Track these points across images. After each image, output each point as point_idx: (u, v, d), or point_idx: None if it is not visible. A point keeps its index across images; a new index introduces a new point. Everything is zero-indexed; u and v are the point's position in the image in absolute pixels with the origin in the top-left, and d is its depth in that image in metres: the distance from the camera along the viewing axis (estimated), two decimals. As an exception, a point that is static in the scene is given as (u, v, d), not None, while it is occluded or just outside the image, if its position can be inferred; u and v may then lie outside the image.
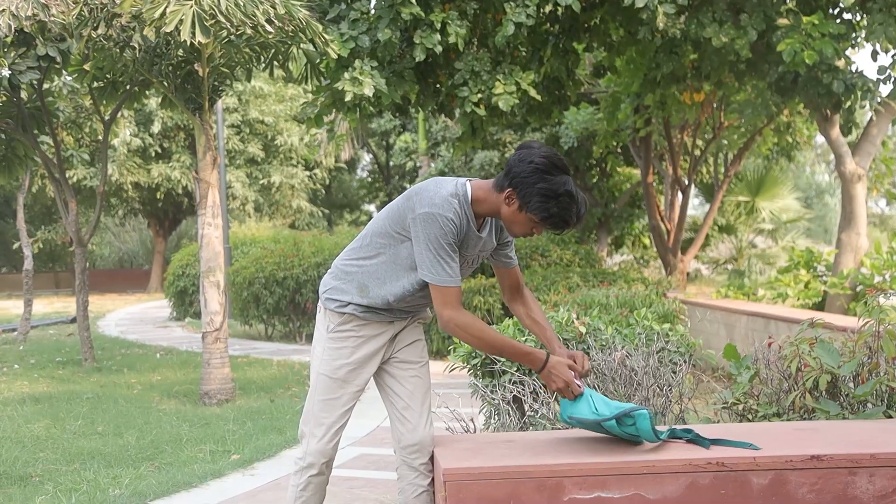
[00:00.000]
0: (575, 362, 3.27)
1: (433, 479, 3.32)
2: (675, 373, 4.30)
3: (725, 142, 17.11)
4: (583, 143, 18.38)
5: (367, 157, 40.23)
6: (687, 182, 16.56)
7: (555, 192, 3.12)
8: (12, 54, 10.70)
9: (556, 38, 11.84)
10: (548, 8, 10.89)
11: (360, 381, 3.41)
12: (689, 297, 11.53)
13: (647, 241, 22.57)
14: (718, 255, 24.39)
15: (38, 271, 30.67)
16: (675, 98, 12.87)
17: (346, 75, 9.77)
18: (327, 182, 35.80)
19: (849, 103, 10.96)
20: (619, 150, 19.07)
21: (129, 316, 22.46)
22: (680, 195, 16.42)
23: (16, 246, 19.00)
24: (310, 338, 14.51)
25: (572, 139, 18.28)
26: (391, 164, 34.00)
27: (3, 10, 8.06)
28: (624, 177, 21.25)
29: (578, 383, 3.20)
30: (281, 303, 14.59)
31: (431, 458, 3.35)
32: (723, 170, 17.49)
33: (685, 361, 4.42)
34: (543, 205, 3.14)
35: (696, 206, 31.91)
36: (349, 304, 3.37)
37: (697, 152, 16.74)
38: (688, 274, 18.50)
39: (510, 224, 3.25)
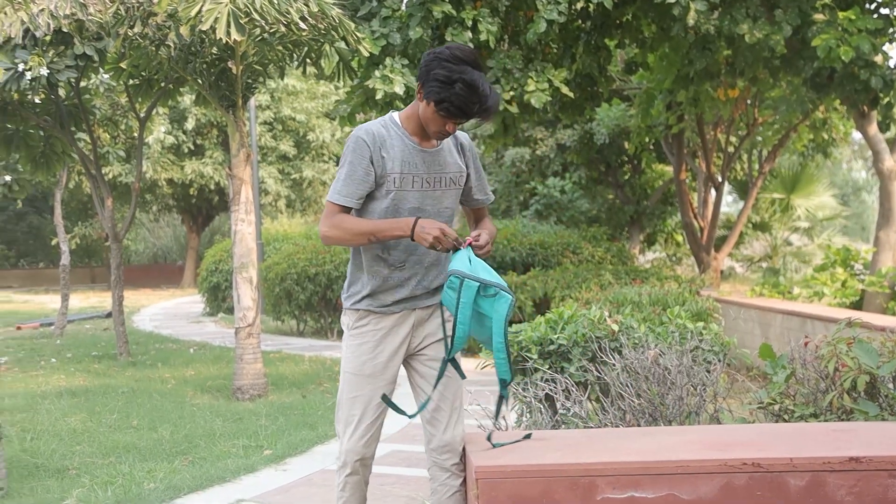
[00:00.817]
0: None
1: (465, 479, 3.31)
2: (708, 372, 4.27)
3: (760, 138, 16.97)
4: (615, 139, 18.30)
5: (398, 154, 40.24)
6: (720, 179, 16.43)
7: (450, 79, 3.15)
8: (51, 53, 10.81)
9: (588, 34, 11.80)
10: (580, 5, 10.85)
11: (387, 376, 3.39)
12: (722, 295, 11.45)
13: (679, 239, 22.43)
14: (753, 252, 24.19)
15: (74, 266, 30.95)
16: (709, 94, 12.78)
17: (377, 73, 9.78)
18: (359, 178, 35.78)
19: (887, 99, 10.83)
20: (651, 147, 18.97)
21: (163, 311, 22.63)
22: (713, 192, 16.30)
23: (54, 242, 19.22)
24: (341, 333, 14.54)
25: (604, 136, 18.20)
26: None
27: (43, 10, 8.14)
28: (656, 174, 21.12)
29: (461, 240, 3.22)
30: (313, 299, 14.63)
31: (463, 458, 3.35)
32: (757, 166, 17.36)
33: (719, 360, 4.39)
34: (437, 90, 3.17)
35: (729, 204, 31.68)
36: (362, 298, 3.40)
37: (731, 149, 16.61)
38: (721, 272, 18.37)
39: (426, 123, 3.28)
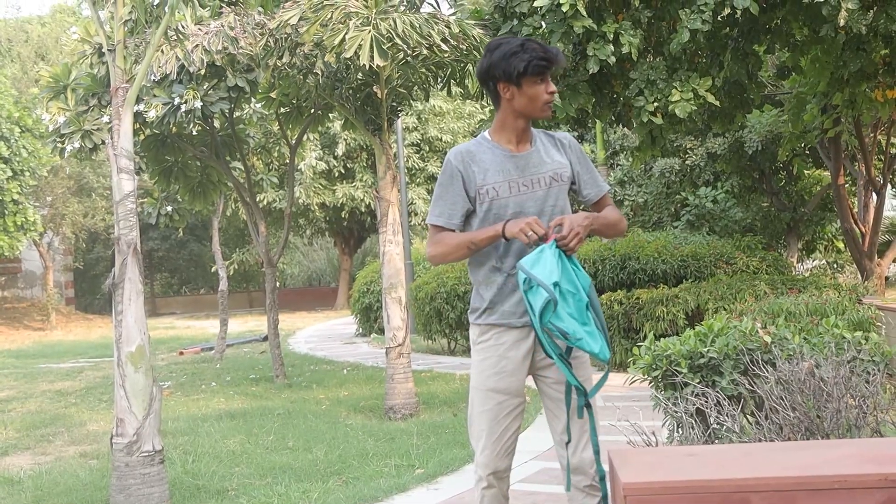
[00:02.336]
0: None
1: (603, 497, 3.29)
2: (868, 383, 4.08)
3: (923, 138, 16.18)
4: (767, 146, 17.75)
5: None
6: (882, 182, 15.73)
7: (512, 50, 3.29)
8: (205, 86, 11.29)
9: (736, 41, 11.49)
10: (725, 11, 10.60)
11: (511, 391, 3.40)
12: (886, 302, 10.92)
13: (840, 246, 21.56)
14: (920, 258, 23.02)
15: (232, 291, 32.14)
16: (866, 96, 12.23)
17: None
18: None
19: None
20: (806, 152, 18.33)
21: (318, 333, 23.20)
22: (875, 196, 15.61)
23: (213, 269, 19.99)
24: (492, 352, 14.57)
25: (756, 143, 17.68)
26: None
27: (197, 46, 8.51)
28: (813, 179, 20.38)
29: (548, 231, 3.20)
30: (463, 317, 14.71)
31: (599, 475, 3.33)
32: (921, 168, 16.54)
33: (879, 371, 4.19)
34: (516, 63, 3.28)
35: (894, 207, 30.26)
36: (483, 312, 3.45)
37: (893, 151, 15.88)
38: (886, 278, 17.56)
39: (528, 110, 3.37)
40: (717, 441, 4.17)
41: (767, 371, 4.19)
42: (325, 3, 7.79)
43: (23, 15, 37.38)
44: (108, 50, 6.14)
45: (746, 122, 16.67)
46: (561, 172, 3.45)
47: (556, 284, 3.11)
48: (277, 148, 15.54)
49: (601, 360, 3.17)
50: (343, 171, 30.48)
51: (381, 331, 17.62)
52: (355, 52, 7.60)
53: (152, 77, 10.69)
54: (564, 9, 9.25)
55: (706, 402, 4.26)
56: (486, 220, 3.38)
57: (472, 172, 3.38)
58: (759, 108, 15.62)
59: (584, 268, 3.37)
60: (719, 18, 10.56)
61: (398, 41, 7.80)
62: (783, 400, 3.94)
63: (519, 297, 3.33)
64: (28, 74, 28.67)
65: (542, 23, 10.13)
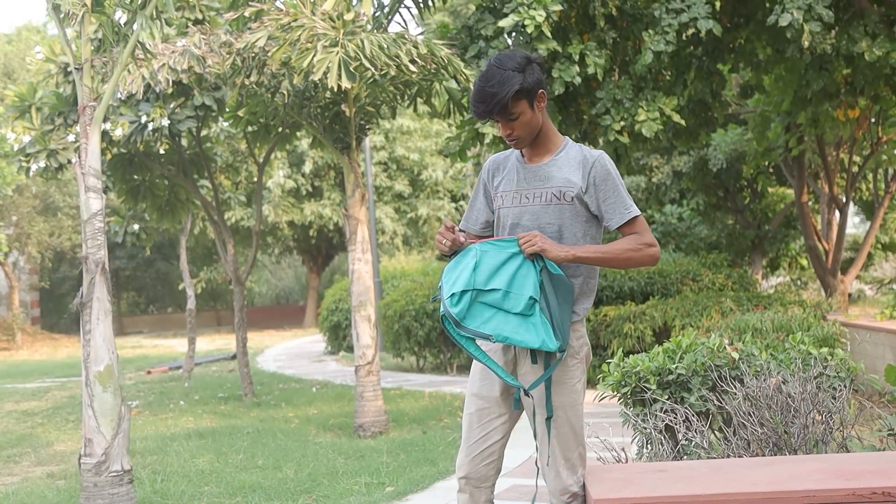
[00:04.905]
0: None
1: None
2: (834, 398, 4.13)
3: (885, 157, 16.40)
4: (732, 164, 17.93)
5: (512, 188, 40.29)
6: (845, 200, 15.94)
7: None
8: (172, 104, 11.26)
9: (700, 60, 11.64)
10: (690, 31, 10.75)
11: (491, 398, 3.41)
12: (850, 318, 11.06)
13: (804, 263, 21.80)
14: (882, 274, 23.34)
15: (200, 310, 31.91)
16: (829, 115, 12.42)
17: None
18: (474, 213, 35.99)
19: None
20: (770, 170, 18.54)
21: (287, 351, 23.09)
22: (837, 214, 15.81)
23: (181, 287, 19.88)
24: (461, 368, 14.60)
25: (721, 161, 17.86)
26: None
27: (163, 65, 8.49)
28: (777, 197, 20.62)
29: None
30: (431, 334, 14.72)
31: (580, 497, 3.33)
32: (883, 186, 16.76)
33: (845, 387, 4.25)
34: None
35: (856, 225, 30.66)
36: None
37: (855, 169, 16.10)
38: (850, 295, 17.76)
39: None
40: (685, 457, 4.21)
41: (735, 387, 4.24)
42: (293, 23, 7.80)
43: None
44: (76, 68, 6.12)
45: (711, 141, 16.86)
46: (565, 191, 3.33)
47: (464, 292, 3.16)
48: (245, 166, 15.54)
49: (546, 349, 3.16)
50: (311, 190, 30.42)
51: (350, 348, 17.59)
52: (324, 74, 7.61)
53: (119, 96, 10.65)
54: (529, 30, 9.32)
55: (675, 418, 4.30)
56: (497, 227, 3.44)
57: (492, 179, 3.49)
58: (723, 126, 15.79)
59: None
60: (683, 37, 10.70)
61: (366, 63, 7.82)
62: (751, 416, 3.98)
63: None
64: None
65: (509, 41, 10.21)
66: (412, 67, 8.12)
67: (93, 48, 7.14)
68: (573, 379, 3.34)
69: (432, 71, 8.61)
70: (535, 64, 3.33)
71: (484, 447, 3.40)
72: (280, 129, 11.87)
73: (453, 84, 9.30)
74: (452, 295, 3.17)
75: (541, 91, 3.33)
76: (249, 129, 12.06)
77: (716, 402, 4.34)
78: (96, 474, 5.68)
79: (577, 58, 9.83)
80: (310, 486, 6.88)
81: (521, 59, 3.30)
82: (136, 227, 16.97)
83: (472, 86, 9.02)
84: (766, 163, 17.16)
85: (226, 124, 13.38)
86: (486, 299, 3.18)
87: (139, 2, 6.17)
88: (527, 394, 3.27)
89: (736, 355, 4.55)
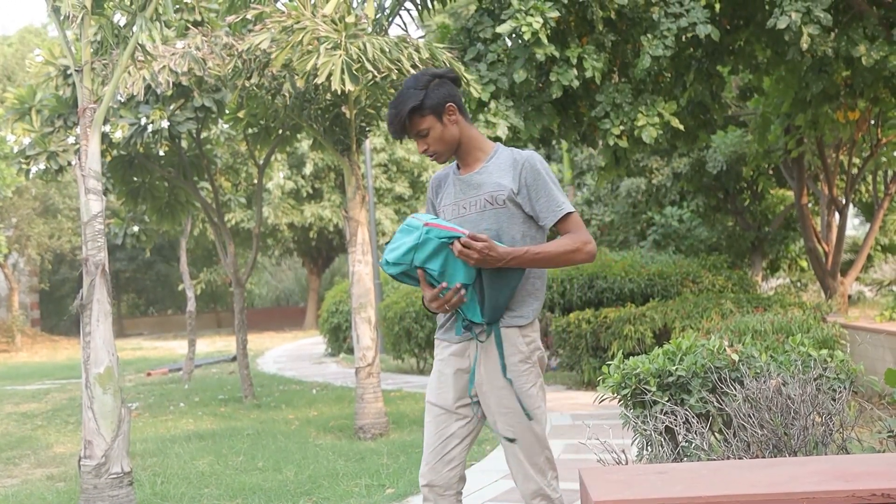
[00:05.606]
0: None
1: None
2: (834, 400, 4.14)
3: (885, 159, 16.42)
4: (732, 166, 17.97)
5: (512, 189, 40.33)
6: (844, 202, 15.95)
7: None
8: (171, 106, 11.27)
9: (700, 62, 11.65)
10: (689, 34, 10.76)
11: (445, 405, 3.44)
12: (850, 320, 11.06)
13: (804, 264, 21.82)
14: (882, 276, 23.36)
15: (200, 312, 31.92)
16: (829, 117, 12.44)
17: (481, 117, 9.84)
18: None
19: None
20: (770, 172, 18.56)
21: (287, 353, 23.10)
22: (837, 215, 15.83)
23: (180, 288, 19.87)
24: (461, 371, 14.58)
25: (721, 163, 17.90)
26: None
27: (163, 68, 8.49)
28: (777, 199, 20.64)
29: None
30: (432, 336, 14.69)
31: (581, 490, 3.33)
32: (883, 188, 16.78)
33: (845, 388, 4.25)
34: None
35: (856, 226, 30.71)
36: (438, 328, 3.57)
37: (855, 171, 16.11)
38: (849, 297, 17.76)
39: None
40: (685, 459, 4.21)
41: (735, 389, 4.25)
42: (296, 26, 7.81)
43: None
44: (76, 70, 6.12)
45: (711, 143, 16.88)
46: (497, 195, 3.36)
47: (398, 264, 3.30)
48: (245, 168, 15.53)
49: (475, 321, 3.32)
50: (311, 191, 30.46)
51: (351, 350, 17.60)
52: (327, 78, 7.61)
53: (119, 98, 10.66)
54: (526, 36, 9.33)
55: (675, 419, 4.30)
56: None
57: (438, 196, 3.56)
58: (722, 128, 15.80)
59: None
60: (683, 39, 10.71)
61: (368, 65, 7.82)
62: (751, 417, 3.98)
63: (449, 314, 3.45)
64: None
65: (508, 42, 10.21)
66: (413, 71, 8.12)
67: (92, 50, 7.13)
68: (527, 384, 3.35)
69: (433, 74, 8.61)
70: (443, 79, 3.42)
71: (443, 453, 3.40)
72: (280, 131, 11.88)
73: (453, 86, 9.30)
74: (387, 263, 3.30)
75: (449, 104, 3.38)
76: (250, 130, 12.07)
77: (716, 403, 4.34)
78: (96, 476, 5.68)
79: (574, 61, 9.84)
80: (310, 487, 6.88)
81: (425, 78, 3.40)
82: (135, 228, 16.99)
83: (471, 89, 9.07)
84: (767, 164, 17.18)
85: (226, 126, 13.39)
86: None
87: (139, 4, 6.18)
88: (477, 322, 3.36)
89: (736, 357, 4.55)
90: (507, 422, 3.34)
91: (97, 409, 5.75)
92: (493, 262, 3.21)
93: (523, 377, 3.35)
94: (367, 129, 10.23)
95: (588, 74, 9.83)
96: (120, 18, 6.67)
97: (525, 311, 3.38)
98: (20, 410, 12.81)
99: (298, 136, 12.90)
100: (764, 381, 4.15)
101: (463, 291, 3.25)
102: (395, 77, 8.40)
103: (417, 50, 8.18)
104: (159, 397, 13.64)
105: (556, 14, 9.42)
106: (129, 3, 6.30)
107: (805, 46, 9.32)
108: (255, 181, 14.41)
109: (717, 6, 10.59)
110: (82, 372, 5.82)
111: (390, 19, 9.86)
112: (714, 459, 4.05)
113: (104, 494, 5.68)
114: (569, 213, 3.36)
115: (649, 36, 9.90)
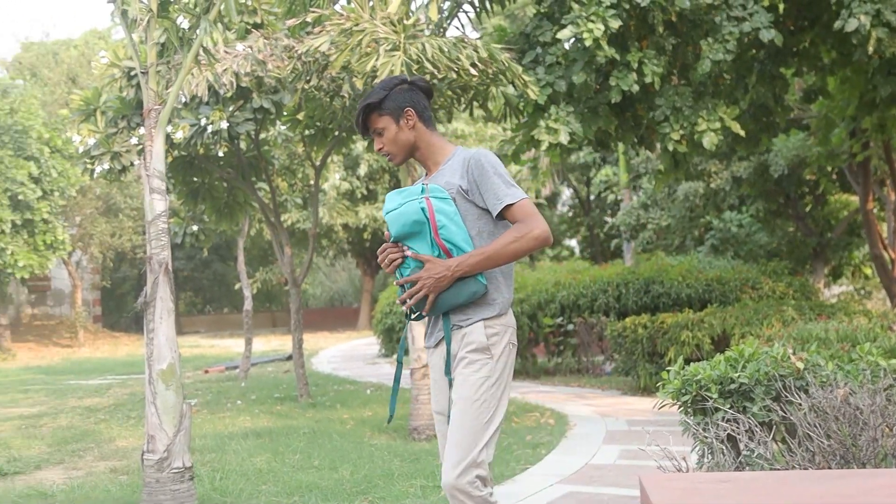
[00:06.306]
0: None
1: None
2: (905, 411, 4.04)
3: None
4: (794, 170, 17.70)
5: (567, 192, 40.15)
6: (910, 208, 15.66)
7: None
8: (231, 107, 11.38)
9: (762, 64, 11.47)
10: (752, 35, 10.60)
11: (439, 409, 3.51)
12: (916, 329, 10.82)
13: (868, 272, 21.42)
14: (948, 284, 22.82)
15: (256, 311, 32.21)
16: (896, 120, 12.20)
17: (542, 123, 9.77)
18: (529, 218, 35.91)
19: None
20: (834, 176, 18.25)
21: (341, 353, 23.22)
22: (903, 222, 15.54)
23: (237, 287, 20.06)
24: (515, 373, 14.53)
25: (782, 167, 17.63)
26: (591, 197, 33.83)
27: (227, 69, 8.58)
28: (840, 204, 20.28)
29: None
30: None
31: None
32: (950, 193, 16.44)
33: (916, 399, 4.15)
34: None
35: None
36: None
37: (922, 176, 15.79)
38: (915, 305, 17.39)
39: None
40: (747, 468, 4.15)
41: (800, 398, 4.17)
42: (355, 28, 7.84)
43: (53, 39, 37.87)
44: (141, 73, 6.21)
45: (772, 146, 16.63)
46: (448, 193, 3.40)
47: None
48: (302, 169, 15.61)
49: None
50: (366, 193, 30.61)
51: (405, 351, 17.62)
52: (386, 77, 7.63)
53: (182, 99, 10.79)
54: (587, 43, 9.26)
55: (737, 428, 4.23)
56: None
57: None
58: (785, 131, 15.57)
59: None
60: (745, 41, 10.56)
61: (428, 66, 7.83)
62: (817, 427, 3.91)
63: (427, 320, 3.53)
64: (55, 95, 29.00)
65: (566, 47, 10.14)
66: (473, 71, 8.12)
67: (157, 53, 7.23)
68: (475, 374, 3.31)
69: (491, 76, 8.60)
70: (412, 86, 3.51)
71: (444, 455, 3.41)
72: (337, 133, 11.94)
73: (510, 89, 9.27)
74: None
75: (407, 109, 3.46)
76: (307, 132, 12.15)
77: (779, 412, 4.27)
78: (158, 470, 5.75)
79: (635, 66, 9.74)
80: (366, 487, 6.90)
81: (394, 81, 3.51)
82: (195, 228, 17.18)
83: (528, 91, 9.04)
84: (830, 168, 16.89)
85: (283, 127, 13.49)
86: None
87: (203, 7, 6.25)
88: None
89: (801, 365, 4.47)
90: (467, 404, 3.31)
91: (160, 405, 5.82)
92: (443, 281, 3.32)
93: (472, 366, 3.33)
94: (424, 130, 10.23)
95: (647, 80, 9.72)
96: (183, 21, 6.75)
97: (491, 298, 3.40)
98: (84, 404, 13.03)
99: (354, 137, 12.95)
100: (831, 391, 4.07)
101: (405, 254, 3.45)
102: (454, 77, 8.40)
103: (476, 50, 8.17)
104: (217, 394, 13.78)
105: (618, 23, 9.33)
106: (193, 6, 6.38)
107: (871, 49, 9.14)
108: (312, 182, 14.48)
109: (781, 7, 10.43)
110: (146, 368, 5.90)
111: (448, 21, 9.87)
112: (777, 469, 3.98)
113: (166, 488, 5.75)
114: (511, 204, 3.31)
115: (710, 40, 9.77)
